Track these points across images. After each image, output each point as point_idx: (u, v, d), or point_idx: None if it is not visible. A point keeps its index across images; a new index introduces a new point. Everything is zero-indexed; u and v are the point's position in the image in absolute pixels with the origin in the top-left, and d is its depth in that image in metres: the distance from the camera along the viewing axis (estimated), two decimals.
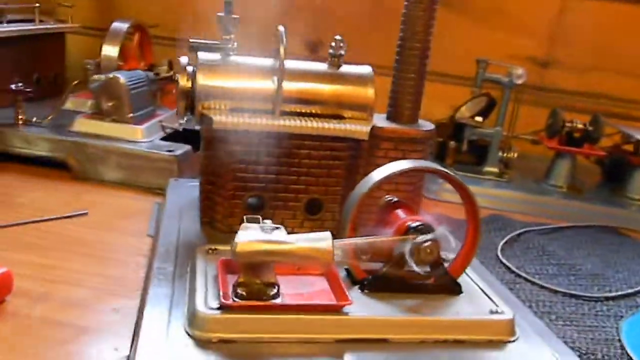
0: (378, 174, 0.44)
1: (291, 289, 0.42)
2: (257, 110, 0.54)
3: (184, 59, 0.54)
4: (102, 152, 0.76)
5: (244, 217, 0.41)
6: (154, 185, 0.74)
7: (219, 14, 0.54)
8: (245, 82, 0.54)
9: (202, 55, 0.54)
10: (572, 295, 0.60)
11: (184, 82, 0.53)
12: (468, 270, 0.49)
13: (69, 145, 0.76)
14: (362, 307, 0.41)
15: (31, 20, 0.94)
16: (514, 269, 0.64)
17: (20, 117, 0.80)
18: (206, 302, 0.38)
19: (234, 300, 0.39)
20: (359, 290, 0.44)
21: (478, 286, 0.46)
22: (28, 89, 0.80)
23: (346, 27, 1.17)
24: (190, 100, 0.54)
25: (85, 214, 0.65)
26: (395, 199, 0.49)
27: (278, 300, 0.39)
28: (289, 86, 0.55)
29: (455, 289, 0.45)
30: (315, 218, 0.56)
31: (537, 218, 0.84)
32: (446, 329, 0.40)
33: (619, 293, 0.61)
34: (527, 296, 0.59)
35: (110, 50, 0.93)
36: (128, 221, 0.65)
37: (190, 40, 0.54)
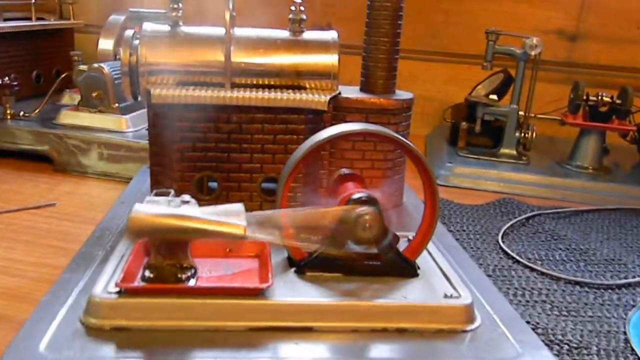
0: (314, 139, 0.38)
1: (215, 273, 0.37)
2: (207, 84, 0.50)
3: (128, 32, 0.51)
4: (83, 143, 0.74)
5: (154, 190, 0.37)
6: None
7: None
8: (193, 54, 0.50)
9: (147, 27, 0.50)
10: (576, 283, 0.52)
11: (126, 57, 0.50)
12: (436, 252, 0.43)
13: (51, 138, 0.75)
14: (290, 291, 0.35)
15: (29, 18, 0.94)
16: (513, 254, 0.57)
17: (7, 111, 0.79)
18: (107, 286, 0.34)
19: (139, 284, 0.34)
20: (295, 274, 0.38)
21: (440, 269, 0.40)
22: (15, 83, 0.79)
23: (357, 10, 1.11)
24: (136, 76, 0.50)
25: (53, 204, 0.62)
26: (349, 172, 0.43)
27: (191, 285, 0.35)
28: (242, 57, 0.50)
29: (408, 271, 0.39)
30: (274, 199, 0.51)
31: (558, 202, 0.75)
32: (386, 316, 0.34)
33: (634, 280, 0.52)
34: (522, 284, 0.51)
35: (106, 44, 0.92)
36: (96, 212, 0.62)
37: (131, 9, 0.50)
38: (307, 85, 0.51)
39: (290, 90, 0.50)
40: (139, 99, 0.52)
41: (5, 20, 0.91)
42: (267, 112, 0.49)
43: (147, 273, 0.35)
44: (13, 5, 0.94)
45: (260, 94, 0.48)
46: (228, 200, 0.51)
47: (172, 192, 0.36)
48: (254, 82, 0.50)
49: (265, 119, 0.49)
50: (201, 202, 0.50)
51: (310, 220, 0.35)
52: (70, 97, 0.91)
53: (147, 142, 0.72)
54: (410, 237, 0.44)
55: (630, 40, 1.03)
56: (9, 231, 0.56)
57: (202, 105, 0.48)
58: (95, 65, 0.79)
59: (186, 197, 0.36)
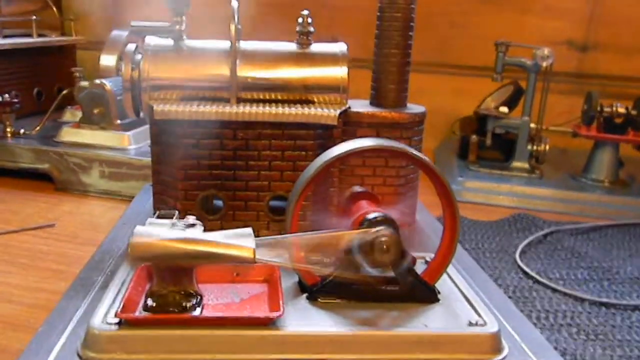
0: (325, 156, 0.36)
1: (222, 299, 0.35)
2: (212, 99, 0.48)
3: (130, 46, 0.49)
4: (84, 161, 0.72)
5: (157, 211, 0.34)
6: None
7: None
8: (198, 69, 0.48)
9: (149, 41, 0.49)
10: (601, 304, 0.49)
11: (128, 72, 0.48)
12: (456, 274, 0.40)
13: (51, 156, 0.73)
14: (303, 320, 0.33)
15: (30, 35, 0.92)
16: (532, 273, 0.54)
17: (7, 129, 0.77)
18: (106, 316, 0.32)
19: (141, 314, 0.32)
20: (307, 300, 0.36)
21: (462, 293, 0.37)
22: (15, 100, 0.77)
23: (364, 23, 1.10)
24: (138, 92, 0.48)
25: (53, 225, 0.60)
26: (362, 190, 0.41)
27: (196, 313, 0.32)
28: (248, 70, 0.48)
29: (428, 296, 0.36)
30: (282, 219, 0.48)
31: (574, 217, 0.72)
32: (407, 347, 0.32)
33: None
34: (544, 306, 0.48)
35: (108, 60, 0.90)
36: (97, 232, 0.60)
37: (132, 23, 0.48)
38: (316, 100, 0.49)
39: (298, 105, 0.48)
40: (141, 115, 0.50)
41: (6, 37, 0.89)
42: (275, 128, 0.47)
43: (150, 301, 0.32)
44: (14, 22, 0.93)
45: (267, 109, 0.46)
46: (234, 219, 0.48)
47: (176, 213, 0.34)
48: (261, 97, 0.48)
49: (272, 135, 0.47)
50: (206, 222, 0.48)
51: (324, 245, 0.33)
52: (72, 114, 0.89)
53: (150, 159, 0.71)
54: (428, 259, 0.41)
55: None
56: (7, 253, 0.54)
57: (207, 121, 0.46)
58: (97, 81, 0.77)
59: (191, 218, 0.34)
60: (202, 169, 0.47)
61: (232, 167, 0.47)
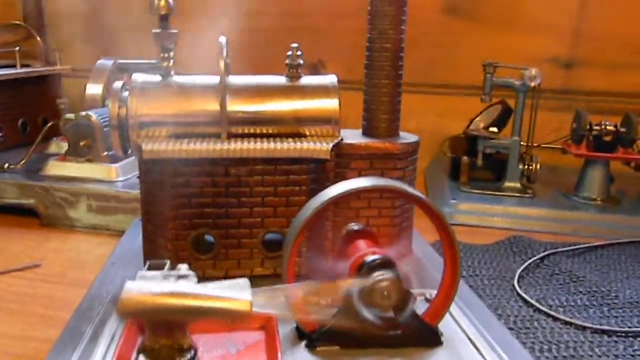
0: (319, 198, 0.35)
1: (217, 351, 0.33)
2: (202, 135, 0.47)
3: (117, 84, 0.48)
4: (71, 195, 0.70)
5: (147, 262, 0.33)
6: (127, 228, 0.68)
7: (155, 30, 0.48)
8: (187, 104, 0.47)
9: (137, 77, 0.48)
10: (603, 332, 0.49)
11: (115, 109, 0.47)
12: (457, 312, 0.40)
13: (37, 191, 0.71)
14: None
15: (13, 66, 0.91)
16: (532, 301, 0.53)
17: None
18: None
19: None
20: (306, 348, 0.34)
21: (465, 333, 0.36)
22: None
23: (349, 45, 1.10)
24: (125, 129, 0.47)
25: (39, 265, 0.59)
26: (358, 227, 0.40)
27: None
28: (239, 105, 0.47)
29: (431, 340, 0.35)
30: (276, 255, 0.47)
31: (568, 237, 0.72)
32: None
33: None
34: (546, 337, 0.48)
35: (94, 89, 0.89)
36: (85, 271, 0.58)
37: (119, 61, 0.47)
38: (308, 132, 0.48)
39: (290, 139, 0.47)
40: (129, 152, 0.49)
41: None
42: (267, 163, 0.46)
43: (142, 358, 0.31)
44: None
45: (258, 144, 0.45)
46: (227, 257, 0.47)
47: (167, 263, 0.33)
48: (252, 131, 0.47)
49: (265, 171, 0.46)
50: (198, 262, 0.47)
51: (323, 292, 0.32)
52: (58, 146, 0.88)
53: (138, 191, 0.70)
54: (428, 296, 0.41)
55: (627, 65, 1.01)
56: None
57: (198, 159, 0.45)
58: (83, 113, 0.76)
59: (183, 268, 0.33)
60: (193, 207, 0.46)
61: (224, 205, 0.46)
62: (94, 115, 0.75)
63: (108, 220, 0.69)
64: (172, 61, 0.48)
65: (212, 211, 0.46)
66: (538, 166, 0.82)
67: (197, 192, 0.46)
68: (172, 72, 0.48)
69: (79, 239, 0.67)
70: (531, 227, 0.76)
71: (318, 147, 0.46)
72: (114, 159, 0.76)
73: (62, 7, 1.18)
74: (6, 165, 0.76)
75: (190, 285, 0.30)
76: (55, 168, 0.75)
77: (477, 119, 0.91)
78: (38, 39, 1.02)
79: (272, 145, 0.45)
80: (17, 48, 0.89)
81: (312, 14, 1.09)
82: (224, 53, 0.46)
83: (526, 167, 0.83)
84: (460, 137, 0.96)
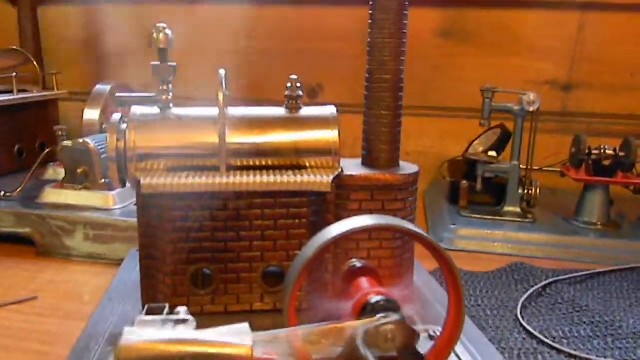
0: (321, 238, 0.35)
1: None
2: (202, 167, 0.46)
3: (115, 116, 0.47)
4: (67, 224, 0.70)
5: (146, 306, 0.32)
6: (125, 257, 0.67)
7: (154, 62, 0.47)
8: (185, 137, 0.46)
9: (135, 110, 0.47)
10: None
11: (113, 142, 0.46)
12: (462, 350, 0.39)
13: (33, 219, 0.70)
14: None
15: (10, 92, 0.91)
16: (535, 333, 0.53)
17: None
18: None
19: None
20: None
21: None
22: None
23: (347, 69, 1.10)
24: (124, 163, 0.46)
25: (35, 298, 0.58)
26: (360, 264, 0.40)
27: None
28: (238, 137, 0.47)
29: None
30: (276, 290, 0.47)
31: (570, 264, 0.72)
32: None
33: None
34: None
35: (91, 114, 0.89)
36: (81, 304, 0.57)
37: (118, 94, 0.47)
38: (308, 164, 0.48)
39: (290, 172, 0.46)
40: (127, 185, 0.48)
41: None
42: (267, 197, 0.46)
43: None
44: None
45: (258, 178, 0.45)
46: (226, 292, 0.46)
47: (167, 307, 0.32)
48: (251, 163, 0.47)
49: (264, 204, 0.46)
50: (197, 297, 0.46)
51: (325, 337, 0.31)
52: (54, 171, 0.87)
53: (136, 220, 0.69)
54: (432, 333, 0.40)
55: (625, 87, 1.02)
56: None
57: (196, 193, 0.44)
58: (80, 140, 0.75)
59: (182, 312, 0.32)
60: (191, 242, 0.45)
61: (223, 239, 0.46)
62: (91, 142, 0.75)
63: (105, 249, 0.69)
64: (170, 94, 0.47)
65: (211, 245, 0.46)
66: (538, 190, 0.82)
67: (196, 226, 0.45)
68: (171, 105, 0.48)
69: (75, 269, 0.66)
70: (532, 253, 0.75)
71: (319, 180, 0.45)
72: (111, 187, 0.75)
73: (58, 31, 1.18)
74: (2, 193, 0.75)
75: (189, 331, 0.30)
76: (51, 196, 0.74)
77: (475, 142, 0.90)
78: (35, 64, 1.02)
79: (272, 178, 0.45)
80: (14, 74, 0.89)
81: (310, 39, 1.10)
82: (223, 85, 0.46)
83: (526, 191, 0.82)
84: (459, 161, 0.96)
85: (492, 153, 0.86)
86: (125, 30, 1.12)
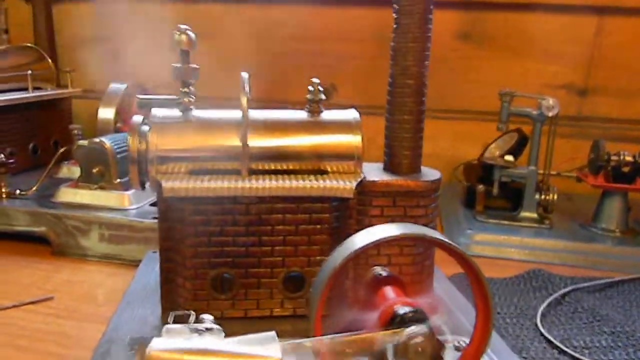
0: (346, 249, 0.34)
1: None
2: (223, 171, 0.46)
3: (137, 118, 0.47)
4: (83, 223, 0.69)
5: (171, 314, 0.32)
6: (140, 257, 0.66)
7: (175, 64, 0.47)
8: (207, 140, 0.46)
9: (157, 112, 0.47)
10: None
11: (135, 144, 0.46)
12: (484, 357, 0.38)
13: (48, 218, 0.70)
14: None
15: (25, 89, 0.91)
16: (556, 342, 0.52)
17: (2, 190, 0.75)
18: None
19: None
20: None
21: None
22: (10, 161, 0.75)
23: (361, 69, 1.09)
24: (145, 165, 0.46)
25: (51, 298, 0.57)
26: (385, 273, 0.39)
27: None
28: (259, 140, 0.46)
29: None
30: (296, 296, 0.46)
31: (587, 271, 0.71)
32: None
33: None
34: None
35: (106, 113, 0.89)
36: (97, 306, 0.57)
37: (139, 97, 0.47)
38: (329, 169, 0.47)
39: (312, 176, 0.46)
40: (147, 187, 0.48)
41: (0, 92, 0.88)
42: (289, 201, 0.45)
43: None
44: (9, 77, 0.91)
45: (280, 182, 0.44)
46: (246, 297, 0.46)
47: (193, 315, 0.32)
48: (272, 167, 0.47)
49: (286, 209, 0.45)
50: (217, 301, 0.46)
51: (353, 347, 0.31)
52: (69, 170, 0.87)
53: (151, 221, 0.69)
54: (457, 344, 0.39)
55: None
56: (5, 334, 0.51)
57: (218, 197, 0.44)
58: (96, 139, 0.75)
59: (207, 320, 0.31)
60: (212, 246, 0.45)
61: (244, 244, 0.45)
62: (107, 142, 0.75)
63: (120, 250, 0.68)
64: (192, 97, 0.47)
65: (232, 250, 0.45)
66: (555, 196, 0.81)
67: (217, 230, 0.45)
68: (192, 107, 0.47)
69: (90, 270, 0.66)
70: (549, 259, 0.75)
71: (342, 185, 0.45)
72: (126, 186, 0.75)
73: (72, 29, 1.18)
74: (17, 191, 0.75)
75: (217, 341, 0.29)
76: (67, 195, 0.74)
77: (492, 146, 0.90)
78: (49, 61, 1.02)
79: (294, 183, 0.44)
80: (29, 72, 0.89)
81: (323, 39, 1.09)
82: (246, 88, 0.45)
83: (543, 197, 0.81)
84: (474, 164, 0.95)
85: (509, 157, 0.85)
86: (139, 28, 1.12)
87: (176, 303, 0.46)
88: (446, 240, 0.34)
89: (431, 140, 1.08)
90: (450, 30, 1.05)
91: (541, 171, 0.82)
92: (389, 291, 0.36)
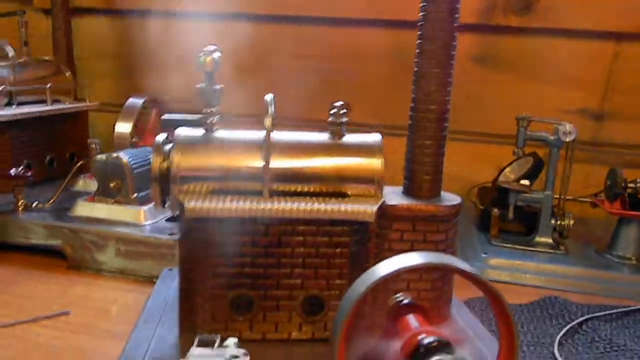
0: (369, 278, 0.34)
1: None
2: (244, 191, 0.46)
3: (160, 137, 0.48)
4: (99, 238, 0.70)
5: (197, 337, 0.32)
6: (156, 274, 0.66)
7: (199, 85, 0.48)
8: (229, 160, 0.46)
9: (180, 132, 0.47)
10: None
11: (157, 163, 0.46)
12: None
13: (65, 232, 0.71)
14: None
15: (44, 102, 0.92)
16: None
17: (20, 202, 0.75)
18: None
19: None
20: None
21: None
22: (28, 174, 0.75)
23: (373, 90, 1.10)
24: (167, 184, 0.46)
25: (68, 313, 0.58)
26: (407, 301, 0.39)
27: None
28: (281, 162, 0.47)
29: None
30: (315, 320, 0.46)
31: (603, 299, 0.70)
32: None
33: None
34: None
35: (123, 127, 0.90)
36: (113, 323, 0.57)
37: (163, 117, 0.47)
38: (350, 192, 0.47)
39: (332, 199, 0.46)
40: (167, 206, 0.48)
41: (20, 104, 0.89)
42: (309, 224, 0.45)
43: None
44: (24, 90, 0.92)
45: (302, 205, 0.44)
46: (264, 320, 0.46)
47: (218, 339, 0.32)
48: (293, 189, 0.47)
49: (306, 231, 0.45)
50: (235, 323, 0.46)
51: None
52: (85, 183, 0.88)
53: (167, 237, 0.69)
54: None
55: None
56: (20, 349, 0.51)
57: (239, 218, 0.44)
58: (114, 154, 0.76)
59: (231, 344, 0.31)
60: (232, 266, 0.45)
61: (263, 265, 0.45)
62: (124, 157, 0.75)
63: (135, 265, 0.68)
64: (216, 117, 0.47)
65: (251, 271, 0.45)
66: (571, 222, 0.81)
67: (237, 251, 0.45)
68: (216, 127, 0.48)
69: (106, 285, 0.66)
70: (564, 286, 0.74)
71: (362, 209, 0.45)
72: (142, 201, 0.75)
73: (91, 42, 1.20)
74: (34, 204, 0.76)
75: None
76: (83, 209, 0.74)
77: (507, 169, 0.89)
78: (68, 74, 1.03)
79: (315, 206, 0.44)
80: (49, 85, 0.90)
81: (342, 58, 1.10)
82: (271, 110, 0.46)
83: (559, 222, 0.81)
84: (489, 188, 0.95)
85: (525, 181, 0.85)
86: (158, 43, 1.13)
87: (194, 323, 0.46)
88: (472, 271, 0.34)
89: (446, 162, 1.08)
90: (467, 53, 1.05)
91: (556, 196, 0.81)
92: (412, 320, 0.36)
